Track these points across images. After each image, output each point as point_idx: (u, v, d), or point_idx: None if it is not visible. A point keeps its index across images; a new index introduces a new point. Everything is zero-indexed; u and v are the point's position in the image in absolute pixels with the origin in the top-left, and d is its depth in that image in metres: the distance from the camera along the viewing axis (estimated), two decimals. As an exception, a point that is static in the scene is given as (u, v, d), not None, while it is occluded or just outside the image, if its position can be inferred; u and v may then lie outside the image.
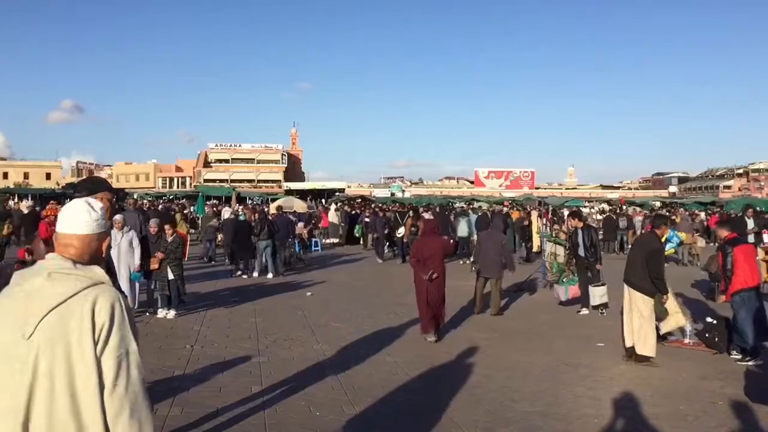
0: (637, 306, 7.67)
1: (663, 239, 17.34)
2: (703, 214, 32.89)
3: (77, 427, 1.88)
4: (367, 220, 24.19)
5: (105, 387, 1.91)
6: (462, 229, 19.67)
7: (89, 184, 4.07)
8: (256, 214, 17.56)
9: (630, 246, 12.19)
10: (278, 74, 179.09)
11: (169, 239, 10.03)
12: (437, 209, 29.66)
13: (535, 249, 21.58)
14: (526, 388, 6.52)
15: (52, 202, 21.67)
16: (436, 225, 10.13)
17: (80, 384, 1.90)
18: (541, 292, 13.27)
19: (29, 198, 39.25)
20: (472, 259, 15.19)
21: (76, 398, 1.89)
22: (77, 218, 2.15)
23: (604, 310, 10.56)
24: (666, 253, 17.93)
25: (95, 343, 1.93)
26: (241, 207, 25.44)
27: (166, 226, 10.38)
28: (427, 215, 21.33)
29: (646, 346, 7.55)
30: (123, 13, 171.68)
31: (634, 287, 7.75)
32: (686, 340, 8.53)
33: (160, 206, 31.12)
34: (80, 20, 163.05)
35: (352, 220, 25.63)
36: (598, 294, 10.68)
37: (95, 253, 2.15)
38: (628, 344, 7.72)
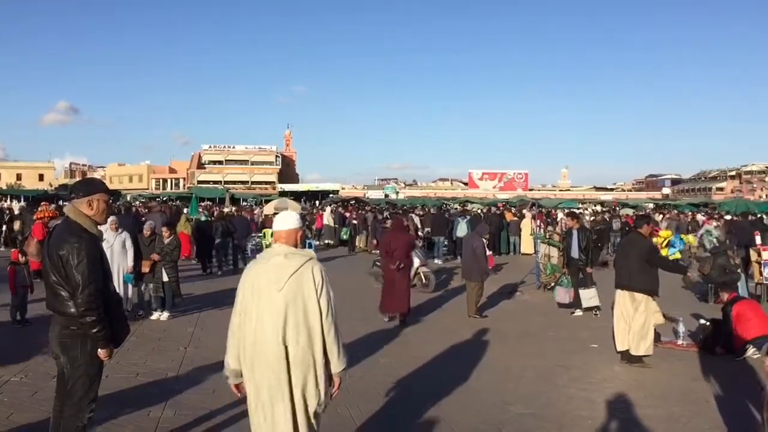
0: (634, 307, 7.66)
1: (665, 243, 17.21)
2: (699, 216, 29.76)
3: (309, 336, 3.46)
4: (354, 222, 24.06)
5: (321, 315, 3.47)
6: (461, 230, 19.75)
7: (85, 186, 4.06)
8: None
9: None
10: (273, 77, 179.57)
11: (166, 241, 9.96)
12: (431, 211, 29.69)
13: (527, 251, 21.67)
14: (520, 390, 6.53)
15: (44, 203, 21.39)
16: (402, 222, 11.94)
17: (310, 314, 3.47)
18: (535, 293, 13.29)
19: (21, 199, 38.97)
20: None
21: (308, 321, 3.47)
22: (286, 220, 3.70)
23: (597, 312, 10.59)
24: (672, 257, 17.88)
25: (316, 292, 3.48)
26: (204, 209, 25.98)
27: (164, 228, 10.29)
28: (414, 216, 21.95)
29: (641, 347, 7.58)
30: (117, 15, 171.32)
31: (630, 289, 7.74)
32: (679, 342, 8.56)
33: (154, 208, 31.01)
34: (74, 21, 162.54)
35: (344, 222, 25.39)
36: (586, 297, 10.71)
37: (296, 240, 3.67)
38: (621, 348, 7.73)
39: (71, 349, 3.80)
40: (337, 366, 3.55)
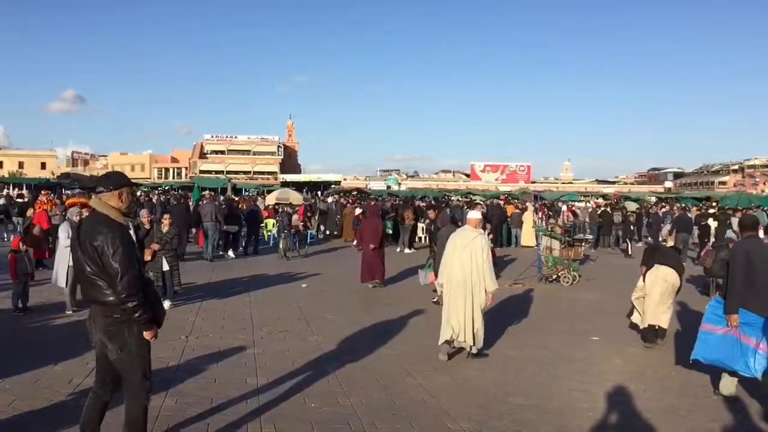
0: (669, 283, 8.20)
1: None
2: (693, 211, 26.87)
3: (479, 271, 7.16)
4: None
5: (485, 261, 7.19)
6: None
7: (114, 179, 4.14)
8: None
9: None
10: (275, 67, 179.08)
11: (165, 230, 9.96)
12: (433, 202, 29.70)
13: (527, 243, 21.65)
14: (520, 381, 6.54)
15: (44, 191, 21.21)
16: (377, 209, 15.37)
17: (479, 259, 7.16)
18: (536, 285, 13.29)
19: (23, 187, 38.92)
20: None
21: (478, 263, 7.16)
22: (475, 215, 7.75)
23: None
24: None
25: (482, 249, 7.19)
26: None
27: (164, 217, 10.26)
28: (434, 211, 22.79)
29: (663, 321, 8.18)
30: (121, 6, 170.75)
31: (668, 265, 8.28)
32: None
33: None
34: (78, 12, 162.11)
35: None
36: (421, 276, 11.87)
37: (477, 224, 7.59)
38: (650, 322, 8.14)
39: (119, 336, 3.91)
40: (490, 287, 7.16)
